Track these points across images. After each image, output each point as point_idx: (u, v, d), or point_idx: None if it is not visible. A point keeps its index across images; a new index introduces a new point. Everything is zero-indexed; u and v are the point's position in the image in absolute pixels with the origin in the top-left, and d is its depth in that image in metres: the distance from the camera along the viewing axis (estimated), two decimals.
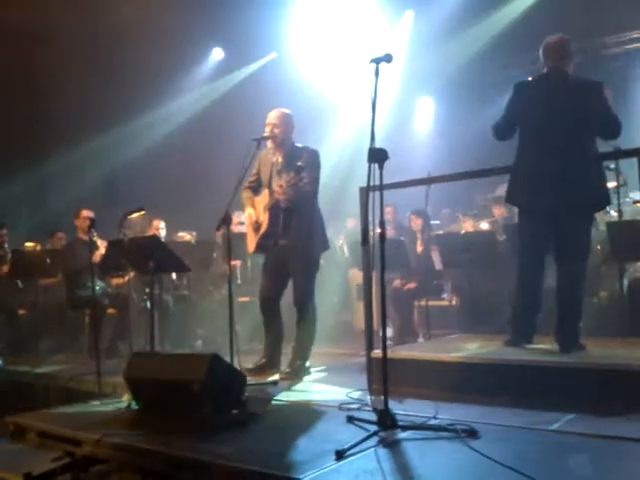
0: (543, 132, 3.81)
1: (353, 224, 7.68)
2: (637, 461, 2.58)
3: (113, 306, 6.00)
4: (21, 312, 6.48)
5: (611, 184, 5.33)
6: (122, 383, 3.81)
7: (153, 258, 4.45)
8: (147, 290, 5.29)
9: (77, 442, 3.20)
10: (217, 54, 9.05)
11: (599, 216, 5.42)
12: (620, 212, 5.29)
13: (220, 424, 3.18)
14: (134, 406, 3.66)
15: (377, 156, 3.14)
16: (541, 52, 3.98)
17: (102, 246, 5.65)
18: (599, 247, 5.33)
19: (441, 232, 6.63)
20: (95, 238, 5.43)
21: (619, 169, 5.20)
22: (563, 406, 3.21)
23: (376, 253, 3.17)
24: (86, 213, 6.07)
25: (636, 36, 8.46)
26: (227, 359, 3.73)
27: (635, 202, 5.39)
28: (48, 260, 5.99)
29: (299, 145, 4.72)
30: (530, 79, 4.00)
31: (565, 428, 2.96)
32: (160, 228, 6.47)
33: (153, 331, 4.57)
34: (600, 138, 3.88)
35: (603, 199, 3.89)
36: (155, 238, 4.97)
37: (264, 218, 4.63)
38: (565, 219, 3.79)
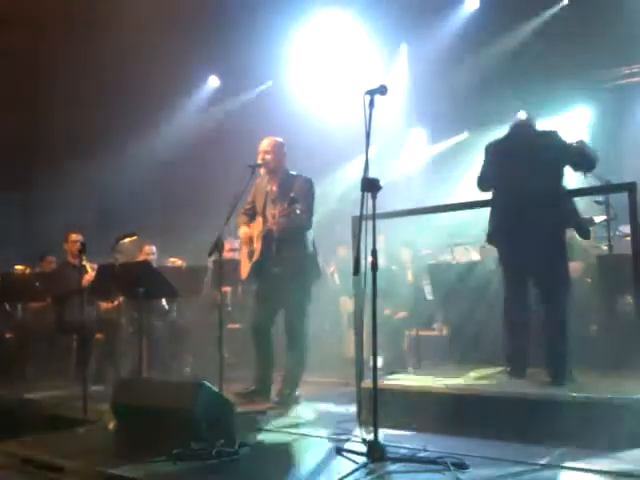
0: (512, 174, 4.11)
1: (344, 252, 7.68)
2: None
3: (101, 331, 5.94)
4: (8, 336, 6.41)
5: (601, 217, 5.39)
6: (108, 409, 3.76)
7: (143, 284, 4.43)
8: (136, 315, 5.25)
9: (60, 469, 3.15)
10: (213, 82, 9.14)
11: (590, 249, 5.47)
12: (610, 245, 5.33)
13: (207, 453, 3.13)
14: (120, 433, 3.61)
15: (370, 186, 3.17)
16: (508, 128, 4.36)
17: (92, 270, 5.62)
18: (590, 280, 5.35)
19: (432, 262, 6.64)
20: (84, 262, 5.40)
21: (609, 203, 5.25)
22: (553, 440, 3.19)
23: (368, 282, 3.18)
24: (75, 237, 6.04)
25: (626, 72, 8.62)
26: (215, 386, 3.69)
27: (625, 236, 5.42)
28: (37, 284, 5.95)
29: (293, 173, 4.75)
30: (498, 139, 4.35)
31: (555, 462, 2.95)
32: (151, 253, 6.45)
33: (141, 357, 4.53)
34: (578, 171, 4.13)
35: (568, 217, 4.04)
36: (146, 264, 4.96)
37: (257, 246, 4.64)
38: (536, 246, 3.94)
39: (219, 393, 3.68)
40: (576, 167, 4.10)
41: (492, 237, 4.28)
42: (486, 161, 4.34)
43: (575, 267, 5.12)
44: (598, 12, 7.20)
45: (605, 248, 5.47)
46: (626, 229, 5.71)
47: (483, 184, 4.34)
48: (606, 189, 4.61)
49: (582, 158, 4.04)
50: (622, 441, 3.13)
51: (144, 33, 7.25)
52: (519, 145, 4.22)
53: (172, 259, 7.05)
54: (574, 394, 3.52)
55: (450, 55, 8.09)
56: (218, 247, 4.27)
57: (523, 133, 4.28)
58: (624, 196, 3.53)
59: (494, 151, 4.31)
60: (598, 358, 4.66)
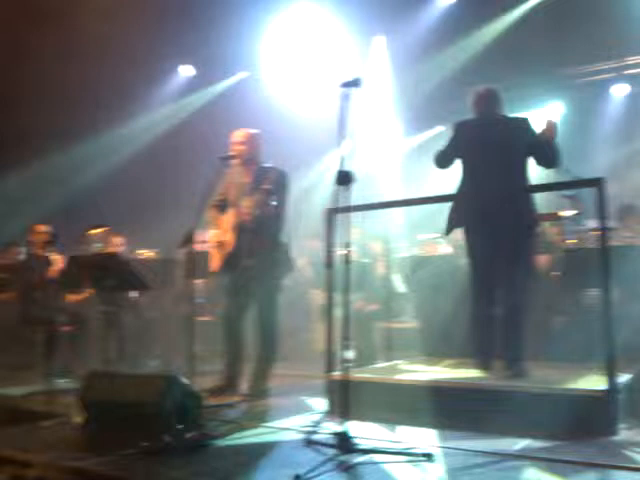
0: (478, 164, 4.08)
1: (317, 245, 7.68)
2: None
3: (69, 323, 5.85)
4: None
5: (570, 212, 5.47)
6: (76, 403, 3.71)
7: (112, 276, 4.38)
8: (105, 308, 5.18)
9: (26, 464, 3.09)
10: (187, 71, 9.01)
11: (558, 243, 5.56)
12: (578, 239, 5.41)
13: (176, 447, 3.10)
14: (88, 427, 3.56)
15: (344, 179, 3.16)
16: (471, 102, 4.24)
17: (59, 262, 5.53)
18: (557, 273, 5.43)
19: (403, 255, 6.68)
20: (51, 254, 5.31)
21: (578, 198, 5.33)
22: (520, 430, 3.24)
23: (340, 274, 3.18)
24: (42, 228, 5.93)
25: (596, 69, 8.75)
26: (185, 379, 3.66)
27: (592, 230, 5.51)
28: (2, 275, 5.83)
29: (267, 165, 4.72)
30: (468, 119, 4.26)
31: (521, 452, 2.99)
32: (121, 245, 6.37)
33: (109, 350, 4.47)
34: (541, 166, 4.11)
35: (528, 222, 4.07)
36: (115, 255, 4.89)
37: (229, 238, 4.61)
38: (499, 242, 3.97)
39: (189, 386, 3.65)
40: (540, 160, 4.08)
41: (454, 226, 4.21)
42: (452, 140, 4.23)
43: (543, 260, 5.20)
44: (571, 9, 7.27)
45: (573, 242, 5.55)
46: (594, 223, 5.81)
47: (441, 161, 4.23)
48: (575, 184, 4.67)
49: (548, 152, 4.02)
50: (582, 432, 3.19)
51: (115, 22, 7.12)
52: (489, 128, 4.14)
53: (142, 251, 6.97)
54: (533, 385, 3.61)
55: (425, 48, 8.10)
56: (189, 239, 4.23)
57: (494, 116, 4.19)
58: (592, 191, 3.58)
59: (462, 131, 4.22)
60: (564, 350, 4.74)
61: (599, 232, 3.59)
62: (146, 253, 6.92)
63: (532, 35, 7.69)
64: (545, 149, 4.03)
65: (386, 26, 8.22)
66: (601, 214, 3.49)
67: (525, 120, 4.12)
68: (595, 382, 3.47)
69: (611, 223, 4.78)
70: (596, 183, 3.52)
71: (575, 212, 5.39)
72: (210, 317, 6.24)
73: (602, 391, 3.32)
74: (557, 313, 5.25)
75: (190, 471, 2.81)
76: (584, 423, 3.26)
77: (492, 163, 4.02)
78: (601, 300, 3.53)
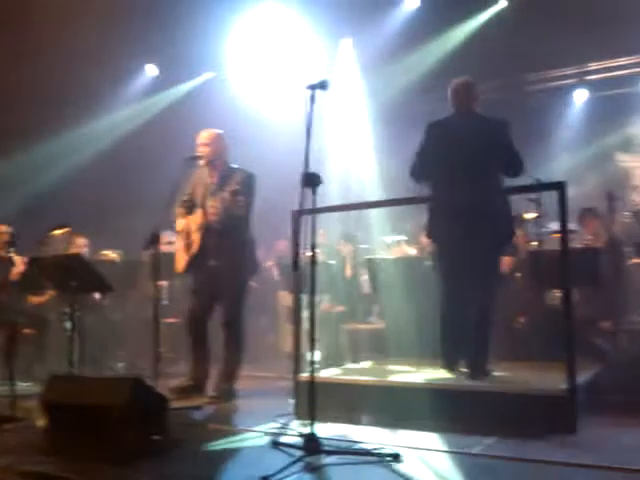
0: (453, 168, 4.00)
1: (284, 246, 7.68)
2: None
3: (31, 326, 5.73)
4: None
5: (532, 215, 5.59)
6: (38, 407, 3.63)
7: (75, 277, 4.30)
8: (67, 310, 5.09)
9: None
10: (151, 71, 8.90)
11: (521, 245, 5.66)
12: (540, 241, 5.52)
13: (141, 451, 3.07)
14: (50, 431, 3.49)
15: (311, 181, 3.17)
16: (449, 94, 4.20)
17: (21, 263, 5.41)
18: (520, 274, 5.54)
19: (370, 256, 6.72)
20: (12, 254, 5.20)
21: (540, 201, 5.44)
22: (484, 430, 3.29)
23: (307, 276, 3.19)
24: (3, 228, 5.80)
25: (557, 74, 8.95)
26: (151, 382, 3.62)
27: (553, 233, 5.64)
28: None
29: (234, 166, 4.71)
30: (441, 119, 4.19)
31: (486, 452, 3.04)
32: (83, 246, 6.26)
33: (72, 353, 4.40)
34: (504, 175, 4.07)
35: (506, 235, 4.08)
36: (78, 256, 4.80)
37: (195, 238, 4.58)
38: (473, 252, 3.93)
39: (154, 389, 3.61)
40: (508, 168, 4.04)
41: (431, 231, 4.20)
42: (426, 142, 4.12)
43: (506, 262, 5.29)
44: (533, 15, 7.40)
45: (535, 244, 5.66)
46: (555, 226, 5.95)
47: (418, 170, 4.13)
48: (537, 187, 4.77)
49: (519, 163, 4.00)
50: (543, 430, 3.25)
51: (77, 20, 7.00)
52: (465, 130, 4.05)
53: (105, 252, 6.87)
54: (496, 385, 3.70)
55: (392, 52, 8.16)
56: (154, 240, 4.19)
57: (470, 117, 4.11)
58: (554, 194, 3.66)
59: (436, 133, 4.12)
60: (526, 349, 4.85)
61: (560, 234, 3.67)
62: (110, 254, 6.82)
63: (495, 40, 7.81)
64: (514, 157, 4.00)
65: (353, 28, 8.25)
66: (562, 217, 3.57)
67: (504, 124, 4.05)
68: (557, 381, 3.54)
69: (572, 226, 4.91)
70: (557, 186, 3.60)
71: (537, 215, 5.50)
72: (175, 319, 6.18)
73: (563, 390, 3.39)
74: (521, 313, 5.35)
75: (156, 476, 2.78)
76: (545, 421, 3.33)
77: (469, 166, 3.94)
78: (562, 300, 3.61)
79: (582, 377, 3.70)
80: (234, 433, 3.60)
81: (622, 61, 8.46)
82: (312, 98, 3.26)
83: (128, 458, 2.99)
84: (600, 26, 7.16)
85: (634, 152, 8.85)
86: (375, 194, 8.07)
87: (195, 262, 4.60)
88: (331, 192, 7.99)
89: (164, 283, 6.52)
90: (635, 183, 8.56)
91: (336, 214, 5.87)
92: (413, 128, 4.27)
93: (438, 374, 4.10)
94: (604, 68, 8.61)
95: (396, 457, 2.89)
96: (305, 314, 4.06)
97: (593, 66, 8.67)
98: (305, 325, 4.18)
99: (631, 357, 4.32)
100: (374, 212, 7.26)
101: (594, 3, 7.01)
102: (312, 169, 3.19)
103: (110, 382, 3.62)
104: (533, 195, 5.36)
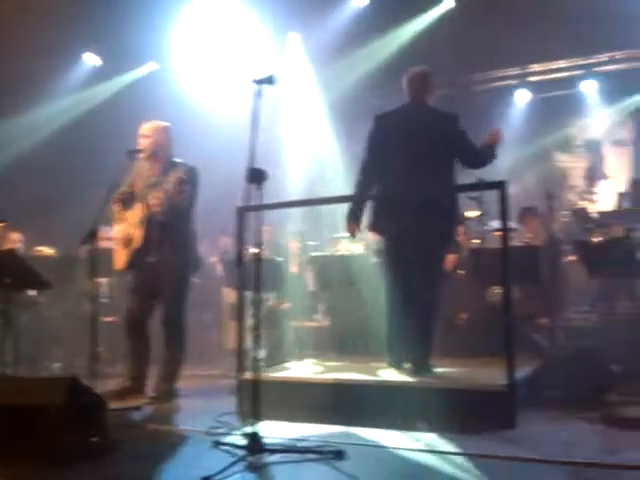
0: (401, 161, 3.99)
1: (228, 242, 7.60)
2: (494, 476, 2.70)
3: None
4: None
5: (474, 213, 5.69)
6: None
7: (9, 274, 4.14)
8: (1, 307, 4.89)
9: None
10: (92, 60, 8.63)
11: (463, 242, 5.76)
12: (481, 239, 5.63)
13: (79, 452, 2.97)
14: None
15: (256, 176, 3.12)
16: (404, 82, 4.18)
17: None
18: (462, 271, 5.63)
19: (316, 253, 6.72)
20: None
21: (481, 199, 5.54)
22: (426, 425, 3.33)
23: (251, 273, 3.14)
24: None
25: (500, 75, 9.16)
26: (88, 382, 3.51)
27: (494, 231, 5.76)
28: None
29: (177, 160, 4.61)
30: (389, 111, 4.17)
31: (426, 447, 3.07)
32: (18, 241, 6.04)
33: (6, 353, 4.23)
34: (465, 167, 4.10)
35: (450, 232, 4.11)
36: (12, 252, 4.63)
37: (137, 233, 4.46)
38: (419, 247, 3.94)
39: (92, 389, 3.51)
40: (467, 162, 4.06)
41: (375, 225, 4.15)
42: (373, 134, 4.10)
43: (449, 259, 5.37)
44: (477, 17, 7.54)
45: (477, 242, 5.77)
46: (496, 224, 6.08)
47: (368, 166, 4.08)
48: (479, 186, 4.85)
49: (474, 152, 4.02)
50: (484, 425, 3.31)
51: (17, 8, 6.74)
52: (413, 122, 4.03)
53: (41, 248, 6.64)
54: (439, 381, 3.76)
55: (339, 48, 8.18)
56: (92, 235, 4.06)
57: (420, 109, 4.09)
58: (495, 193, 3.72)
59: (384, 125, 4.09)
60: (468, 346, 4.93)
61: (501, 232, 3.74)
62: (45, 250, 6.59)
63: (441, 40, 7.92)
64: (470, 149, 4.02)
65: (301, 23, 8.22)
66: (503, 215, 3.64)
67: (454, 117, 4.05)
68: (496, 377, 3.60)
69: (512, 224, 5.02)
70: (498, 186, 3.66)
71: (479, 213, 5.61)
72: (114, 317, 6.03)
73: (502, 385, 3.46)
74: (463, 310, 5.44)
75: (95, 477, 2.72)
76: (486, 416, 3.39)
77: (417, 160, 3.93)
78: (502, 297, 3.68)
79: (521, 373, 3.78)
80: (175, 433, 3.54)
81: (562, 63, 8.74)
82: (259, 93, 3.22)
83: (66, 460, 2.90)
84: (542, 29, 7.37)
85: (572, 152, 9.16)
86: (336, 189, 8.07)
87: (136, 258, 4.48)
88: (294, 187, 8.00)
89: (102, 280, 6.36)
90: (573, 183, 8.86)
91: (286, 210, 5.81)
92: (363, 124, 4.25)
93: (383, 371, 4.13)
94: (545, 70, 8.87)
95: (339, 454, 2.88)
96: (250, 311, 4.01)
97: (535, 68, 8.91)
98: (249, 322, 4.14)
99: (568, 353, 4.44)
100: (324, 209, 7.24)
101: (537, 7, 7.20)
102: (266, 164, 3.15)
103: (46, 382, 3.51)
104: (475, 194, 5.46)
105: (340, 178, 7.94)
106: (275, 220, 6.60)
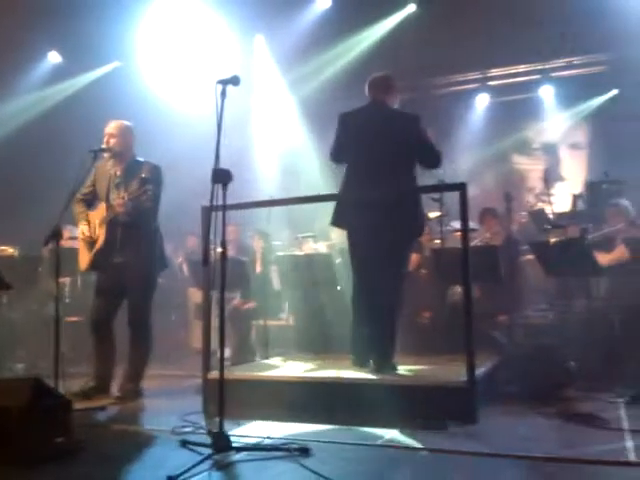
0: (363, 160, 4.08)
1: (193, 242, 7.58)
2: (455, 471, 2.79)
3: None
4: None
5: (435, 214, 5.80)
6: None
7: None
8: None
9: None
10: (54, 58, 8.48)
11: (425, 242, 5.87)
12: (443, 239, 5.74)
13: (44, 453, 2.95)
14: None
15: (221, 177, 3.15)
16: (366, 86, 4.28)
17: None
18: (424, 271, 5.74)
19: (281, 253, 6.75)
20: None
21: (443, 200, 5.65)
22: (389, 421, 3.40)
23: (217, 272, 3.17)
24: None
25: (462, 79, 9.33)
26: (52, 383, 3.49)
27: (455, 231, 5.88)
28: None
29: (140, 159, 4.59)
30: (354, 110, 4.25)
31: (390, 443, 3.14)
32: None
33: None
34: (422, 167, 4.18)
35: (415, 231, 4.17)
36: None
37: (100, 233, 4.43)
38: (381, 248, 4.00)
39: (56, 390, 3.48)
40: (425, 162, 4.13)
41: (339, 219, 4.19)
42: (340, 132, 4.18)
43: (412, 259, 5.47)
44: (442, 21, 7.65)
45: (438, 242, 5.88)
46: (457, 225, 6.21)
47: (339, 156, 4.19)
48: (440, 188, 4.96)
49: (436, 156, 4.10)
50: (445, 421, 3.39)
51: None
52: (376, 122, 4.10)
53: (3, 247, 6.52)
54: (401, 379, 3.84)
55: (304, 51, 8.21)
56: (55, 235, 4.02)
57: (382, 110, 4.16)
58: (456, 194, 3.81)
59: (348, 123, 4.17)
60: (430, 344, 5.03)
61: (461, 233, 3.84)
62: (7, 250, 6.48)
63: (404, 43, 8.02)
64: (428, 149, 4.11)
65: (266, 25, 8.23)
66: (463, 216, 3.74)
67: (416, 118, 4.12)
68: (458, 374, 3.70)
69: (472, 225, 5.14)
70: (459, 187, 3.76)
71: (440, 214, 5.72)
72: (78, 317, 5.96)
73: (463, 382, 3.56)
74: (425, 309, 5.54)
75: (60, 478, 2.69)
76: (447, 413, 3.47)
77: (379, 159, 4.00)
78: (462, 296, 3.78)
79: (481, 369, 3.89)
80: (141, 433, 3.53)
81: (521, 68, 8.95)
82: (223, 93, 3.24)
83: (30, 461, 2.88)
84: (502, 34, 7.53)
85: (530, 155, 9.39)
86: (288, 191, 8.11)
87: (99, 258, 4.45)
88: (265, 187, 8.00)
89: (66, 280, 6.28)
90: (531, 185, 9.08)
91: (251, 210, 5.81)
92: (331, 125, 4.31)
93: (347, 369, 4.18)
94: (504, 74, 9.07)
95: (305, 451, 2.93)
96: (215, 311, 4.03)
97: (494, 72, 9.11)
98: (215, 322, 4.15)
99: (526, 350, 4.57)
100: (288, 208, 7.28)
101: (497, 13, 7.35)
102: (236, 165, 3.17)
103: (9, 383, 3.47)
104: (436, 195, 5.56)
105: (313, 178, 8.01)
106: (241, 220, 6.61)
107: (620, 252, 4.88)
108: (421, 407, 3.51)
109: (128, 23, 7.68)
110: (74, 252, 4.70)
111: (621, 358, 4.40)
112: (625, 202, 5.34)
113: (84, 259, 4.53)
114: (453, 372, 3.86)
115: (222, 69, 4.48)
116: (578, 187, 7.96)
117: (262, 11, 7.59)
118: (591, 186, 6.90)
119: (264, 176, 8.89)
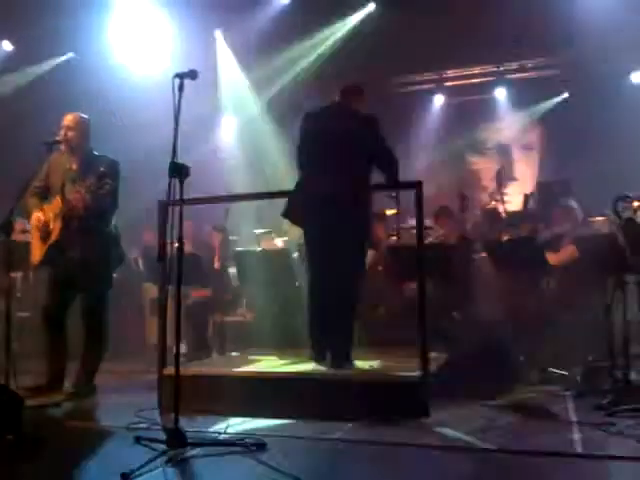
0: (318, 158, 4.13)
1: (149, 237, 7.48)
2: (409, 464, 2.86)
3: None
4: None
5: (392, 211, 5.89)
6: None
7: None
8: None
9: None
10: (7, 47, 8.23)
11: (382, 239, 5.95)
12: (399, 236, 5.83)
13: None
14: None
15: (178, 171, 3.14)
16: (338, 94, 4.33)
17: None
18: (381, 268, 5.81)
19: (239, 248, 6.74)
20: None
21: (399, 198, 5.74)
22: (346, 416, 3.45)
23: (173, 268, 3.16)
24: None
25: (418, 79, 9.46)
26: (2, 379, 3.42)
27: (411, 228, 5.97)
28: None
29: (97, 153, 4.53)
30: (317, 109, 4.31)
31: (345, 437, 3.19)
32: None
33: None
34: (380, 171, 4.20)
35: (361, 235, 4.18)
36: None
37: (55, 227, 4.35)
38: (334, 245, 4.03)
39: (6, 386, 3.42)
40: (382, 166, 4.14)
41: (292, 214, 4.21)
42: (300, 130, 4.25)
43: (368, 256, 5.54)
44: (400, 20, 7.74)
45: (394, 239, 5.96)
46: (412, 222, 6.31)
47: (300, 159, 4.23)
48: (396, 186, 5.02)
49: (392, 160, 4.12)
50: (399, 414, 3.47)
51: None
52: (335, 121, 4.15)
53: None
54: (356, 374, 3.89)
55: (262, 47, 8.20)
56: (7, 228, 3.94)
57: (343, 110, 4.21)
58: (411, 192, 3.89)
59: (308, 122, 4.25)
60: (386, 339, 5.11)
61: (416, 229, 3.91)
62: None
63: (360, 44, 8.08)
64: (385, 153, 4.14)
65: (226, 20, 8.18)
66: (418, 214, 3.81)
67: (374, 120, 4.15)
68: (411, 368, 3.76)
69: (427, 222, 5.24)
70: (414, 185, 3.83)
71: (397, 211, 5.81)
72: (29, 313, 5.84)
73: (417, 376, 3.63)
74: (381, 304, 5.62)
75: (12, 476, 2.66)
76: (401, 406, 3.55)
77: (334, 157, 4.04)
78: (417, 292, 3.85)
79: (434, 364, 3.97)
80: (95, 430, 3.50)
81: (476, 70, 9.14)
82: (180, 87, 3.23)
83: None
84: (458, 36, 7.66)
85: (484, 155, 9.60)
86: (244, 186, 8.10)
87: (53, 252, 4.37)
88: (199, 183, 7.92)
89: (18, 274, 6.14)
90: (484, 184, 9.28)
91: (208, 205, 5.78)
92: (296, 123, 4.34)
93: (304, 364, 4.21)
94: (460, 76, 9.25)
95: (261, 446, 2.94)
96: (171, 306, 4.01)
97: (450, 73, 9.27)
98: (171, 318, 4.13)
99: (477, 345, 4.68)
100: (244, 203, 7.27)
101: (454, 14, 7.49)
102: (178, 159, 3.16)
103: None
104: (393, 192, 5.64)
105: (278, 174, 8.01)
106: (198, 215, 6.56)
107: (570, 251, 5.02)
108: (376, 401, 3.58)
109: (85, 14, 7.52)
110: (26, 246, 4.60)
111: (571, 353, 4.55)
112: (573, 203, 5.51)
113: (37, 252, 4.44)
114: (407, 367, 3.92)
115: (181, 63, 4.44)
116: (529, 187, 8.18)
117: (221, 6, 7.55)
118: (542, 186, 7.10)
119: (229, 172, 8.83)
